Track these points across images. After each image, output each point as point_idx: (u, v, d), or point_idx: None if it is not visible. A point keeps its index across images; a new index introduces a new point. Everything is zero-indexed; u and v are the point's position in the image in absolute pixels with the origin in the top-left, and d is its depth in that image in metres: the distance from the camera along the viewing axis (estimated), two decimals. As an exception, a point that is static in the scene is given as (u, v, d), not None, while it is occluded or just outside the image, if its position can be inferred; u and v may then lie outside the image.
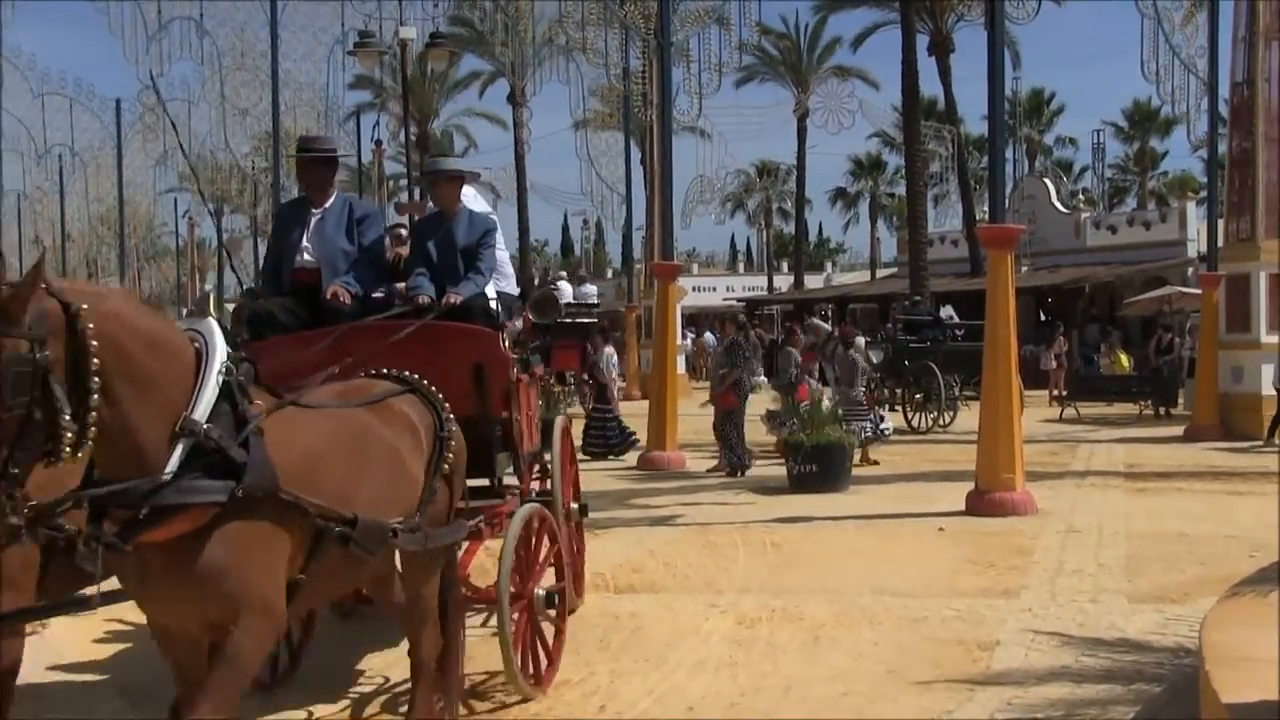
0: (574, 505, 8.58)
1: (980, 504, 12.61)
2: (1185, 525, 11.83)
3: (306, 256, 6.99)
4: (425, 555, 5.63)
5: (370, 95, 47.11)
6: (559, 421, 8.37)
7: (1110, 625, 8.05)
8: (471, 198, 7.98)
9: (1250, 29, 20.32)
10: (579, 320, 18.89)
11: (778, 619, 8.36)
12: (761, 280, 62.20)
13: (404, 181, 51.58)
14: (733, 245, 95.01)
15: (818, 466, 14.41)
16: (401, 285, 7.07)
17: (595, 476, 16.25)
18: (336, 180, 7.19)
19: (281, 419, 4.66)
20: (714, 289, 57.78)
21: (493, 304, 7.15)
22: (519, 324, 8.07)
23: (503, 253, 8.08)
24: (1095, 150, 59.48)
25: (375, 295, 6.94)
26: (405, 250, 7.49)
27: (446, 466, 5.66)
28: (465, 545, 6.71)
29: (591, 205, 38.86)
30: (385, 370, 5.89)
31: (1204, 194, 29.32)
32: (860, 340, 25.26)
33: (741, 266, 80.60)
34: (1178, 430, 21.10)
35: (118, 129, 42.90)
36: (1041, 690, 6.63)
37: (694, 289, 48.01)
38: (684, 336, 35.86)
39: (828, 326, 28.90)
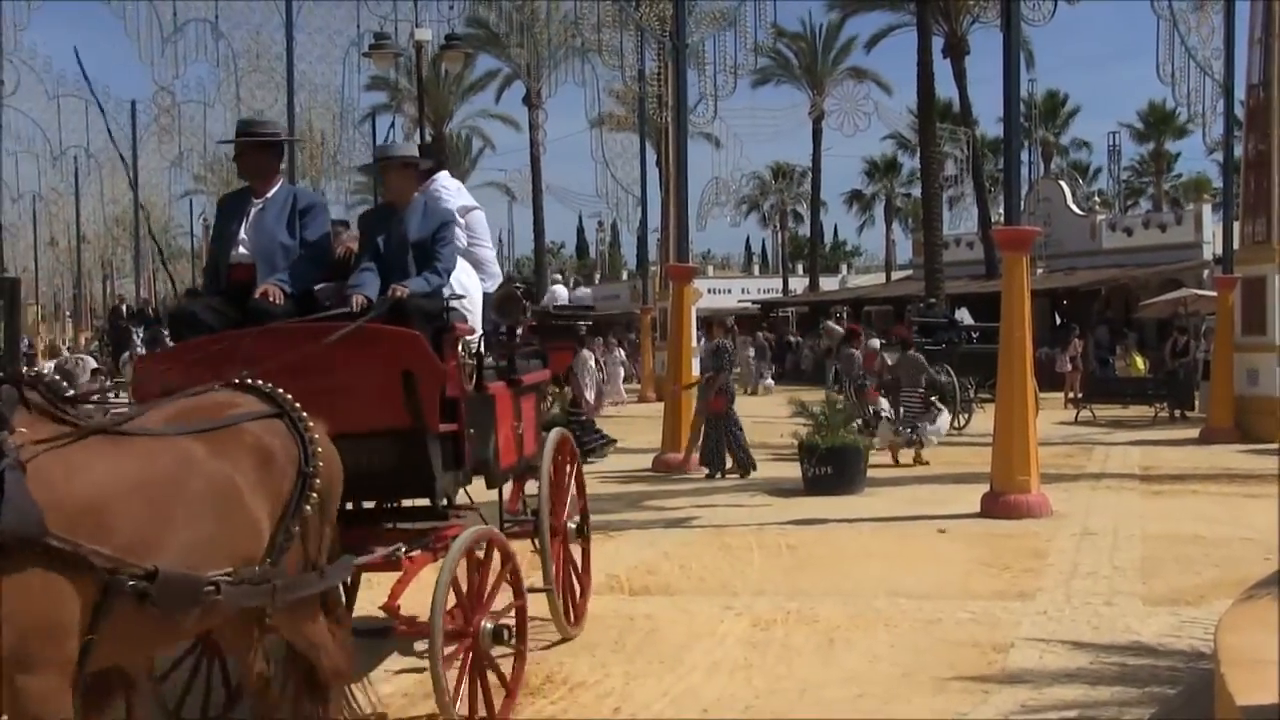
0: (570, 524, 7.98)
1: (995, 506, 12.60)
2: (1200, 528, 11.80)
3: (242, 250, 6.39)
4: (295, 601, 4.86)
5: (386, 97, 47.25)
6: (554, 434, 7.81)
7: (1125, 628, 8.05)
8: (455, 191, 7.67)
9: (1266, 31, 20.25)
10: (573, 323, 19.25)
11: (793, 621, 8.37)
12: (777, 282, 62.21)
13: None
14: (748, 247, 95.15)
15: (832, 469, 14.43)
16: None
17: (610, 480, 16.30)
18: (282, 168, 6.63)
19: (66, 451, 3.94)
20: (729, 291, 57.75)
21: (460, 303, 6.62)
22: (506, 327, 7.64)
23: (488, 250, 7.70)
24: (1111, 153, 59.42)
25: (327, 301, 6.37)
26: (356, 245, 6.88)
27: (309, 507, 4.76)
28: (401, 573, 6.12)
29: (607, 207, 38.88)
30: (253, 382, 5.06)
31: (1220, 196, 29.22)
32: (875, 342, 25.35)
33: (757, 269, 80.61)
34: (1193, 433, 21.04)
35: (133, 130, 43.04)
36: (1056, 692, 6.64)
37: (709, 291, 48.00)
38: (699, 339, 35.87)
39: (841, 329, 28.96)
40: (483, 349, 6.76)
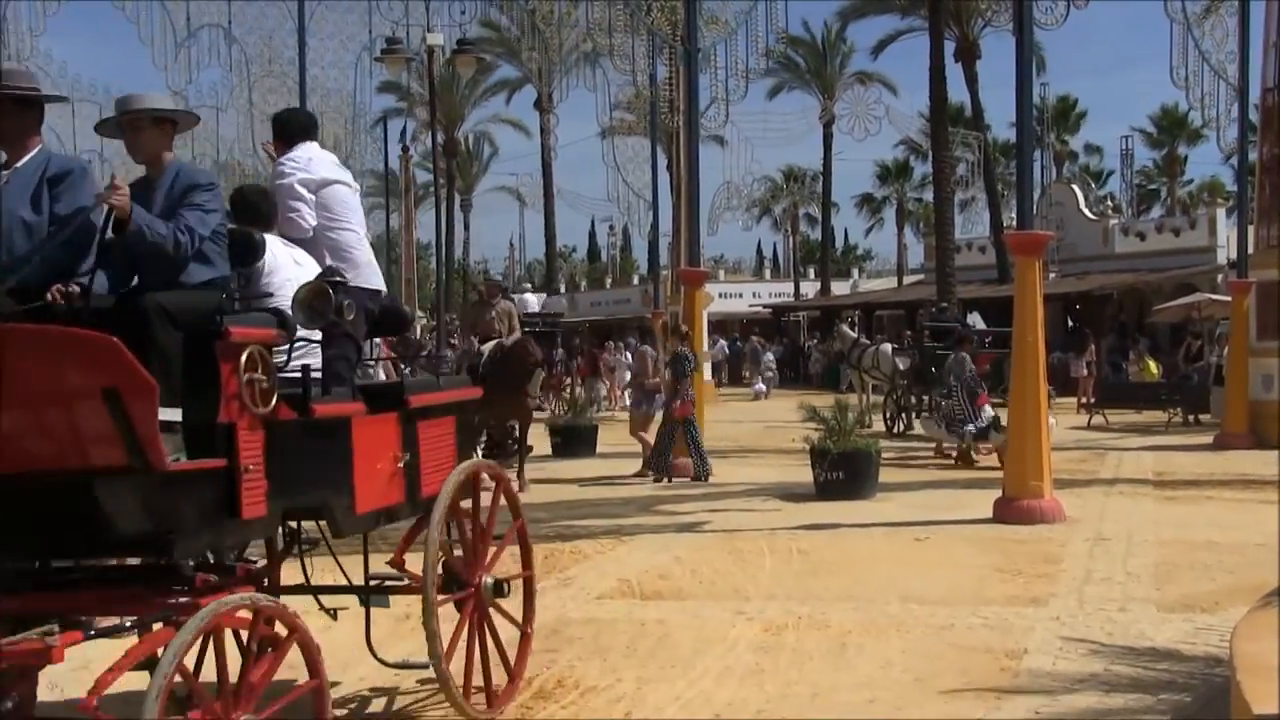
0: (488, 579, 6.47)
1: (1008, 511, 12.56)
2: (1215, 534, 11.75)
3: None
4: None
5: (396, 100, 47.44)
6: (458, 470, 6.30)
7: (1139, 634, 8.01)
8: (305, 162, 6.30)
9: (1281, 34, 20.20)
10: (544, 330, 19.58)
11: (804, 626, 8.34)
12: (788, 286, 62.21)
13: (431, 187, 51.95)
14: (759, 252, 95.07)
15: (844, 474, 14.39)
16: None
17: (622, 484, 16.30)
18: (43, 132, 5.20)
19: None
20: (740, 295, 57.81)
21: (279, 299, 5.42)
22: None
23: (349, 232, 6.35)
24: (1124, 157, 59.30)
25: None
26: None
27: None
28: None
29: (618, 211, 38.98)
30: None
31: (1234, 200, 29.17)
32: (887, 347, 25.30)
33: (768, 273, 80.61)
34: (1207, 438, 20.97)
35: (146, 136, 43.26)
36: (1070, 699, 6.60)
37: (720, 295, 48.05)
38: (713, 344, 35.90)
39: (853, 334, 28.93)
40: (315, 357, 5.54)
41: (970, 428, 17.58)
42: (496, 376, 14.59)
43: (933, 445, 19.09)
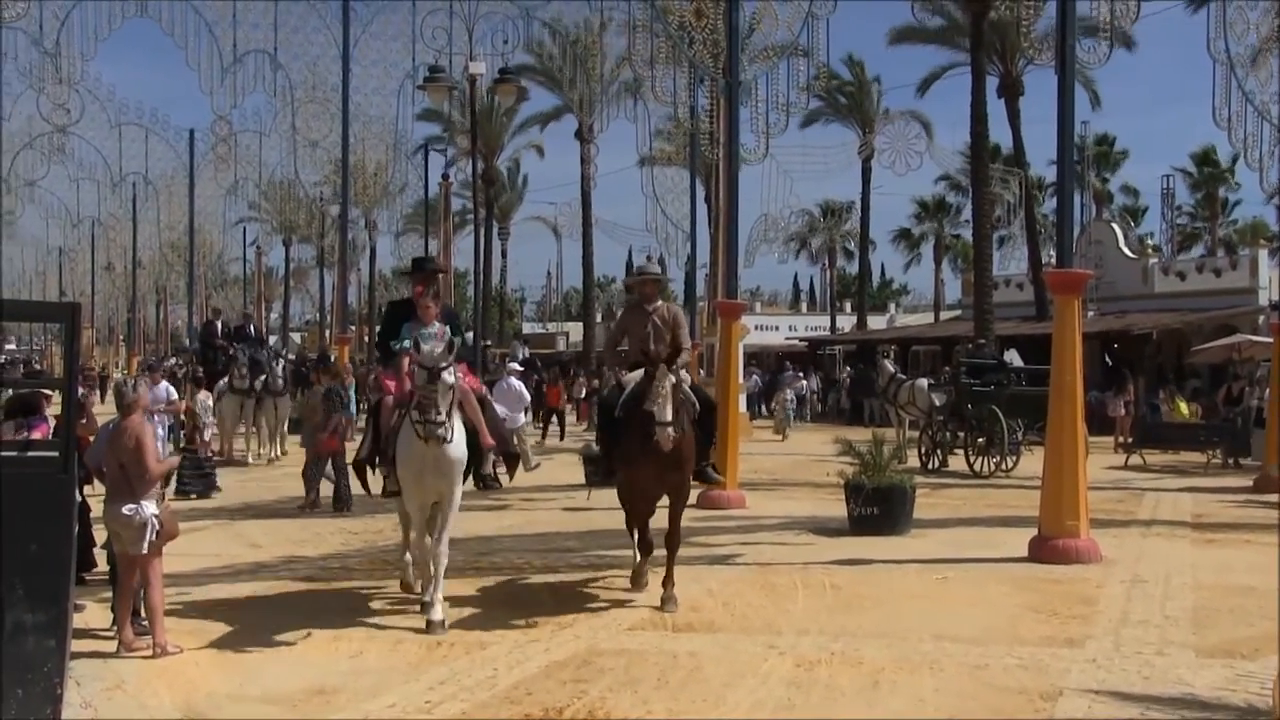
0: None
1: (1043, 550, 12.46)
2: (1255, 578, 11.56)
3: None
4: None
5: (439, 129, 47.76)
6: None
7: (1177, 679, 7.91)
8: None
9: (1326, 76, 20.04)
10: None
11: (837, 662, 8.29)
12: (824, 320, 62.08)
13: (469, 216, 52.29)
14: (795, 284, 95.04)
15: (878, 509, 14.31)
16: None
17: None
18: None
19: None
20: (776, 328, 57.73)
21: None
22: None
23: None
24: (1164, 196, 58.91)
25: None
26: None
27: None
28: None
29: (656, 242, 38.97)
30: None
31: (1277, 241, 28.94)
32: (923, 381, 25.11)
33: (804, 306, 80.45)
34: (1247, 481, 20.72)
35: (190, 159, 43.85)
36: (1106, 743, 6.53)
37: (756, 328, 47.93)
38: (747, 375, 35.83)
39: (892, 369, 28.80)
40: None
41: None
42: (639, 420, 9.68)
43: None
